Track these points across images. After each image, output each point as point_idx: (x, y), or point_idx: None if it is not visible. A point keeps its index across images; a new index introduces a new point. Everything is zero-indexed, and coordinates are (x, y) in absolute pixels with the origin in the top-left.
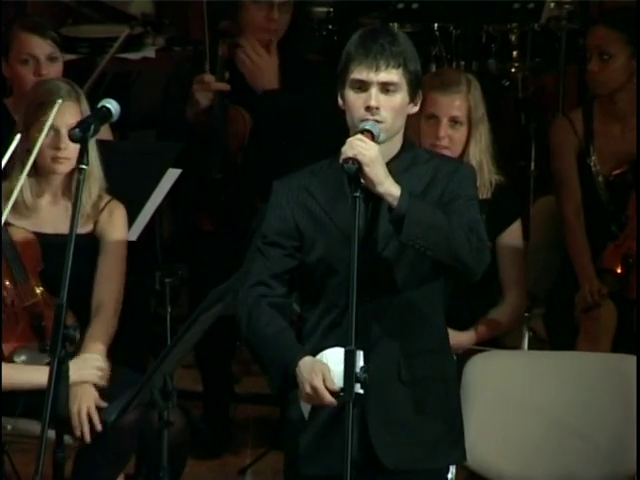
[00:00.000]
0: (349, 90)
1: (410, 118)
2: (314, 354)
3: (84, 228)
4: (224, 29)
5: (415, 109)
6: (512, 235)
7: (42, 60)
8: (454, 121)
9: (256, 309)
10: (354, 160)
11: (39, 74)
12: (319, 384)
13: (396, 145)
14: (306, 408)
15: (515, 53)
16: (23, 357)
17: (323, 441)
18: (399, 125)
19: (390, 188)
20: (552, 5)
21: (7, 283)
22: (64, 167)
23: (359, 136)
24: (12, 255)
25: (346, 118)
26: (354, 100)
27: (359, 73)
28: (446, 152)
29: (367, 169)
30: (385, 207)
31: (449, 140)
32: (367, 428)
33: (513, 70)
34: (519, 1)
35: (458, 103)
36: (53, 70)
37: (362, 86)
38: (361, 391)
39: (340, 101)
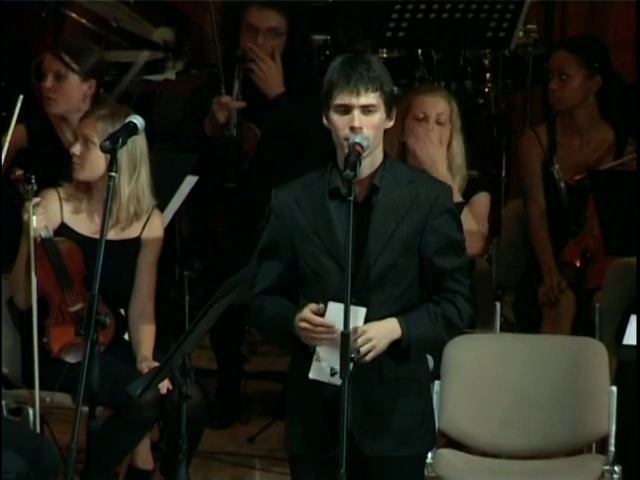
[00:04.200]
0: (334, 113)
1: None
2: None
3: (132, 233)
4: (239, 55)
5: (391, 124)
6: (480, 200)
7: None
8: (439, 121)
9: (260, 305)
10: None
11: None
12: (306, 313)
13: (378, 157)
14: (317, 366)
15: (488, 75)
16: (70, 354)
17: (312, 425)
18: (379, 140)
19: (393, 337)
20: (520, 34)
21: (57, 290)
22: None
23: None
24: (59, 266)
25: (332, 136)
26: (339, 122)
27: (342, 99)
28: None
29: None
30: (374, 225)
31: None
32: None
33: (486, 90)
34: (492, 30)
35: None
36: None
37: (345, 109)
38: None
39: (325, 121)
